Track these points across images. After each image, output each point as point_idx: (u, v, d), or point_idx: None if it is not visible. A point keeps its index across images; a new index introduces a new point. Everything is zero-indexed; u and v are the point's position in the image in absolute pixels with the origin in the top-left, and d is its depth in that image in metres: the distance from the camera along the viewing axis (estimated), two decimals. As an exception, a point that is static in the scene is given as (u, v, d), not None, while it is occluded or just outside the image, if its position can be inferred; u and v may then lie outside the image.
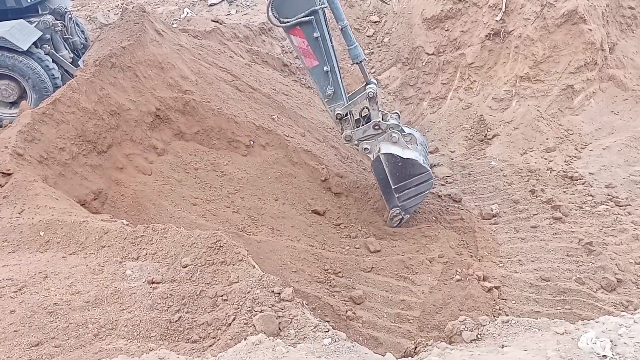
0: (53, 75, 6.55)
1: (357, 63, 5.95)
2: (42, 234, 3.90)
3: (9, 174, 4.70)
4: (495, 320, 2.74)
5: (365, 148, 6.12)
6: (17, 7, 6.72)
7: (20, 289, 3.20)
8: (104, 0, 11.46)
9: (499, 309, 4.84)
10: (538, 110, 7.79)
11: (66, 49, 7.31)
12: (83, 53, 7.57)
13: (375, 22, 10.00)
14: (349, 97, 6.05)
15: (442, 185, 7.17)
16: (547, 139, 7.48)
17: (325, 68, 5.71)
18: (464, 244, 5.84)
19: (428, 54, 9.09)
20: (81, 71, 6.33)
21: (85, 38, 8.16)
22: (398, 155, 5.83)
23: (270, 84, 8.27)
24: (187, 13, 10.21)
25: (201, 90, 7.09)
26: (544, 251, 5.60)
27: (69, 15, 7.73)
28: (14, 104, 6.52)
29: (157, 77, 6.85)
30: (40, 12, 7.28)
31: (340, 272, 5.32)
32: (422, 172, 5.86)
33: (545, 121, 7.69)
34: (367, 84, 6.08)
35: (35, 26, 6.72)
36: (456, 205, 6.61)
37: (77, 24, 8.07)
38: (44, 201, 4.41)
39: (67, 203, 4.64)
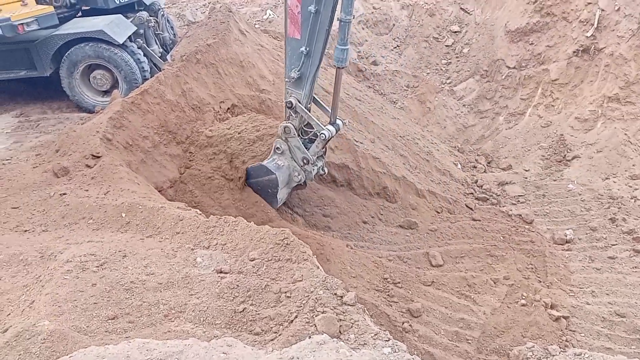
0: (143, 67, 6.98)
1: (338, 67, 5.07)
2: (123, 215, 4.17)
3: (98, 157, 5.06)
4: (566, 351, 2.60)
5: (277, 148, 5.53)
6: (105, 7, 7.24)
7: (101, 265, 3.44)
8: (192, -1, 12.05)
9: (566, 341, 4.59)
10: (626, 134, 7.31)
11: (156, 44, 7.77)
12: (171, 48, 8.02)
13: (455, 32, 9.81)
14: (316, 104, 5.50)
15: (513, 204, 6.91)
16: (633, 165, 7.00)
17: (302, 49, 4.95)
18: (532, 268, 5.59)
19: (509, 68, 8.79)
20: (168, 65, 6.70)
21: (174, 34, 8.63)
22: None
23: (344, 89, 8.33)
24: (269, 14, 10.50)
25: (277, 90, 7.27)
26: (621, 285, 5.25)
27: (162, 12, 8.21)
28: (106, 92, 7.02)
29: (237, 75, 7.11)
30: (136, 8, 7.79)
31: (399, 282, 5.26)
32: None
33: (632, 146, 7.21)
34: (331, 123, 5.43)
35: (131, 21, 7.20)
36: (527, 226, 6.34)
37: (168, 20, 8.55)
38: (127, 185, 4.71)
39: (147, 188, 4.93)
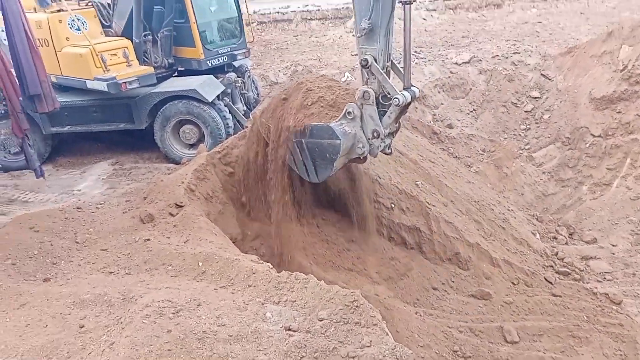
0: (228, 124, 7.45)
1: (405, 3, 4.57)
2: (200, 264, 4.35)
3: (181, 206, 5.38)
4: None
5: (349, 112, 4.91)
6: (198, 68, 7.88)
7: (177, 312, 3.58)
8: (275, 61, 12.82)
9: None
10: None
11: (241, 102, 8.30)
12: (254, 107, 8.53)
13: (535, 97, 9.63)
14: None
15: (599, 281, 6.41)
16: None
17: None
18: (621, 355, 5.08)
19: (594, 136, 8.42)
20: (250, 123, 7.11)
21: (258, 94, 9.19)
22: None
23: (418, 150, 8.34)
24: (347, 77, 10.92)
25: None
26: None
27: (248, 74, 8.81)
28: (193, 145, 7.53)
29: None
30: (226, 70, 8.42)
31: (470, 357, 4.98)
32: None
33: None
34: (405, 88, 4.85)
35: (220, 81, 7.78)
36: (614, 307, 5.82)
37: (253, 81, 9.15)
38: (205, 234, 4.93)
39: (223, 239, 5.13)
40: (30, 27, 5.44)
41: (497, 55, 10.61)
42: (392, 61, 4.95)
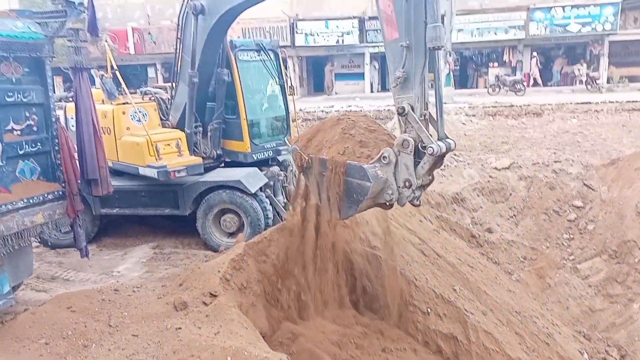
0: (268, 215, 7.62)
1: (433, 49, 4.47)
2: (229, 358, 4.25)
3: (215, 296, 5.38)
4: None
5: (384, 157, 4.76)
6: (245, 162, 8.19)
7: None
8: (317, 156, 13.30)
9: None
10: None
11: (282, 195, 8.53)
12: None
13: (578, 207, 9.46)
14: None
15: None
16: None
17: (402, 43, 4.53)
18: None
19: (643, 251, 8.08)
20: (289, 215, 7.24)
21: (298, 187, 9.45)
22: None
23: (456, 253, 8.19)
24: (386, 175, 11.12)
25: (388, 248, 7.37)
26: None
27: (291, 168, 9.13)
28: (232, 234, 7.69)
29: (352, 230, 7.41)
30: (270, 163, 8.77)
31: None
32: None
33: None
34: (439, 138, 4.75)
35: (264, 174, 8.09)
36: None
37: (294, 174, 9.45)
38: (236, 327, 4.87)
39: (254, 333, 5.04)
40: (97, 118, 5.95)
41: (538, 163, 10.66)
42: (429, 112, 4.89)
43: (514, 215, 9.71)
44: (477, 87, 29.27)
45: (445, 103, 20.64)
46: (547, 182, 9.91)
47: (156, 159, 7.38)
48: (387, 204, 5.02)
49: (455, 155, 11.85)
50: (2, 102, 5.05)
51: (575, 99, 20.05)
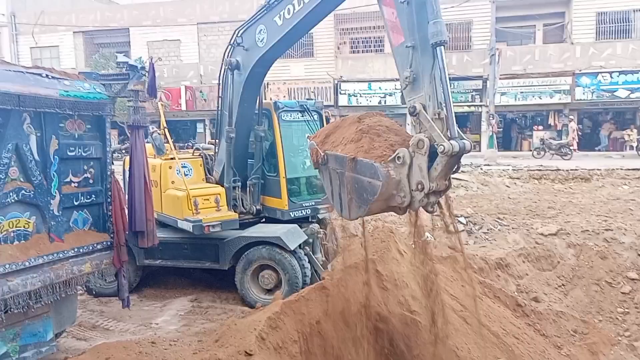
0: (305, 273, 7.59)
1: (436, 45, 4.39)
2: (261, 423, 4.13)
3: (250, 355, 5.31)
4: None
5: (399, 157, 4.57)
6: (282, 219, 8.26)
7: None
8: (357, 214, 13.27)
9: None
10: None
11: (321, 253, 8.51)
12: (333, 258, 8.68)
13: (633, 279, 8.92)
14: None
15: None
16: None
17: (407, 44, 4.55)
18: None
19: None
20: (328, 274, 7.19)
21: (337, 245, 9.40)
22: None
23: (500, 323, 7.81)
24: (427, 236, 10.94)
25: (428, 314, 7.13)
26: None
27: (330, 225, 9.15)
28: (269, 291, 7.67)
29: (391, 292, 7.25)
30: (310, 220, 8.83)
31: None
32: None
33: None
34: (452, 137, 4.50)
35: (304, 231, 8.13)
36: None
37: (334, 232, 9.45)
38: (269, 390, 4.76)
39: (287, 397, 4.90)
40: (149, 173, 6.24)
41: (587, 230, 10.23)
42: (446, 113, 4.65)
43: (562, 284, 9.24)
44: (521, 150, 28.88)
45: (488, 165, 20.41)
46: (598, 251, 9.45)
47: (193, 213, 7.57)
48: (400, 207, 4.73)
49: (498, 218, 11.57)
50: (64, 155, 5.39)
51: (625, 164, 19.41)
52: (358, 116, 5.47)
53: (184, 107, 30.37)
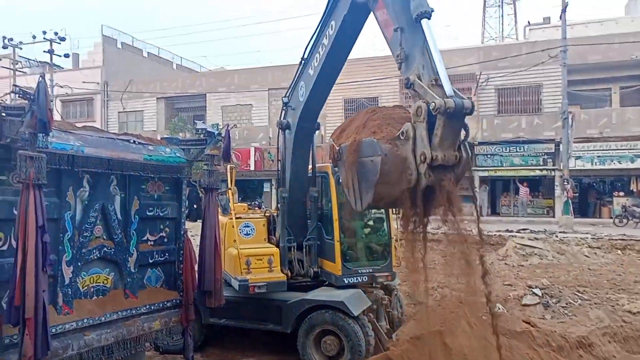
0: (369, 341, 7.31)
1: (418, 18, 4.51)
2: None
3: None
4: None
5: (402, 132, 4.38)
6: (335, 284, 7.99)
7: None
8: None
9: None
10: None
11: (385, 320, 8.21)
12: (398, 327, 8.34)
13: None
14: None
15: None
16: None
17: (395, 26, 4.73)
18: None
19: None
20: (393, 344, 6.90)
21: (402, 313, 9.05)
22: None
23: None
24: (499, 308, 10.31)
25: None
26: None
27: (395, 292, 8.88)
28: (331, 358, 7.44)
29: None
30: (373, 285, 8.61)
31: None
32: None
33: None
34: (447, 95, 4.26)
35: (368, 297, 7.92)
36: None
37: (398, 299, 9.13)
38: None
39: None
40: (220, 233, 6.45)
41: (683, 309, 9.21)
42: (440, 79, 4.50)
43: (657, 369, 8.26)
44: (600, 217, 27.08)
45: (564, 232, 19.26)
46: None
47: (241, 272, 7.63)
48: (411, 188, 4.44)
49: (578, 292, 10.74)
50: (144, 215, 5.73)
51: None
52: (373, 108, 5.55)
53: (252, 167, 31.57)
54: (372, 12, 5.40)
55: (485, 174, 27.39)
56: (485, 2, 47.47)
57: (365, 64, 28.87)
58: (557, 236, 18.07)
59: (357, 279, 8.08)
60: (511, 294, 11.15)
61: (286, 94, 7.87)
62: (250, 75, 33.67)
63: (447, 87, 4.35)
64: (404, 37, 4.78)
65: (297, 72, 7.46)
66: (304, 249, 8.27)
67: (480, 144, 26.97)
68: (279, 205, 8.31)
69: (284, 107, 7.92)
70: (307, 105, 7.38)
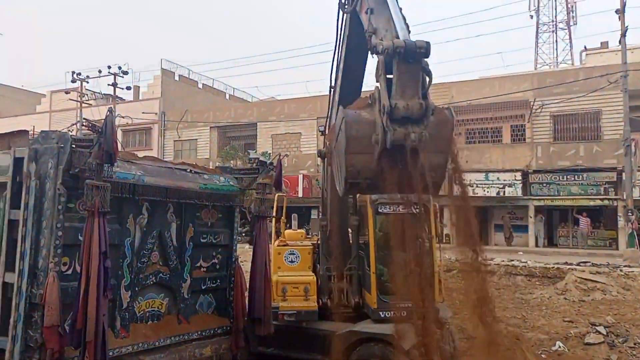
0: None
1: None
2: None
3: None
4: None
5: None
6: (372, 317, 7.66)
7: None
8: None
9: None
10: None
11: (436, 355, 7.91)
12: (450, 363, 8.01)
13: None
14: None
15: None
16: None
17: (366, 7, 4.88)
18: None
19: None
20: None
21: (455, 347, 8.69)
22: None
23: None
24: (559, 346, 9.73)
25: None
26: None
27: (447, 326, 8.56)
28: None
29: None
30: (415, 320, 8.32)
31: None
32: None
33: None
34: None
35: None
36: None
37: (450, 332, 8.79)
38: None
39: None
40: (270, 261, 6.51)
41: None
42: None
43: None
44: (669, 250, 25.25)
45: (629, 266, 18.11)
46: None
47: (273, 299, 7.56)
48: (381, 149, 4.06)
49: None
50: (197, 242, 5.89)
51: None
52: (367, 96, 5.41)
53: (300, 194, 31.86)
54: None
55: (541, 203, 26.30)
56: (538, 28, 46.51)
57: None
58: (621, 270, 16.95)
59: (394, 313, 7.57)
60: (572, 331, 10.51)
61: (325, 122, 7.98)
62: (299, 105, 34.36)
63: (401, 33, 4.20)
64: (372, 16, 4.78)
65: (329, 101, 7.54)
66: (345, 279, 8.10)
67: (535, 172, 26.03)
68: (319, 233, 8.31)
69: (323, 136, 8.05)
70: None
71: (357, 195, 8.26)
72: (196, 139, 37.68)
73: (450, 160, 4.60)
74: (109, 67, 33.70)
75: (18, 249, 4.33)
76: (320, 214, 8.37)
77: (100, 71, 33.89)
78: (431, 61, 4.16)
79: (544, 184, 26.35)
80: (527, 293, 15.14)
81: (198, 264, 5.94)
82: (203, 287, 5.96)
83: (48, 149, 4.38)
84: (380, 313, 7.65)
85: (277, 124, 35.07)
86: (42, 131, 4.69)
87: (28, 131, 4.91)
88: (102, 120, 4.36)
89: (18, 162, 4.47)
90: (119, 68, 33.84)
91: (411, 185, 4.36)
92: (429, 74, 4.17)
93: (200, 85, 43.00)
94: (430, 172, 4.28)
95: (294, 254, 8.42)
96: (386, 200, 8.01)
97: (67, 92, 35.14)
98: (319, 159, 8.43)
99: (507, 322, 11.14)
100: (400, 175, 4.28)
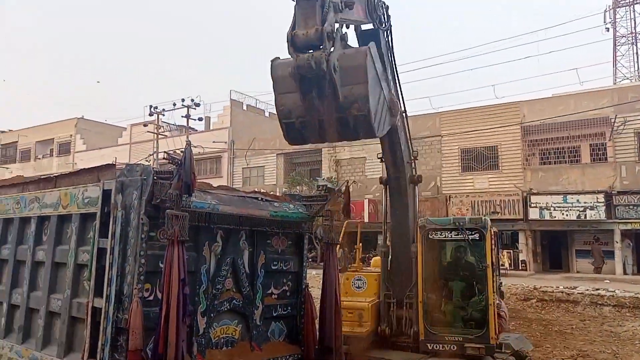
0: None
1: None
2: None
3: None
4: None
5: None
6: (421, 350, 7.33)
7: None
8: (558, 346, 11.52)
9: None
10: None
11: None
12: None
13: None
14: None
15: None
16: None
17: None
18: None
19: None
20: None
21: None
22: None
23: None
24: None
25: None
26: None
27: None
28: None
29: None
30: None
31: None
32: None
33: None
34: None
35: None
36: None
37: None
38: None
39: None
40: (340, 289, 6.47)
41: None
42: None
43: None
44: None
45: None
46: None
47: None
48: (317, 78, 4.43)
49: None
50: (268, 269, 5.99)
51: None
52: None
53: (366, 219, 31.62)
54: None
55: (628, 227, 24.31)
56: (615, 40, 43.86)
57: (481, 112, 28.05)
58: None
59: (442, 346, 7.27)
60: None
61: None
62: (364, 129, 34.48)
63: None
64: None
65: None
66: (405, 307, 7.78)
67: (620, 193, 24.20)
68: (381, 260, 8.21)
69: (382, 163, 8.04)
70: (388, 147, 7.49)
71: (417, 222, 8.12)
72: (263, 166, 38.74)
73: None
74: (183, 100, 35.76)
75: (106, 276, 4.60)
76: (382, 240, 8.29)
77: (174, 104, 35.99)
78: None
79: (631, 206, 24.38)
80: (617, 325, 13.98)
81: (269, 291, 6.01)
82: (274, 314, 6.02)
83: (133, 182, 4.67)
84: (428, 345, 7.34)
85: (341, 149, 35.31)
86: (127, 164, 5.01)
87: (115, 165, 5.26)
88: (179, 152, 4.59)
89: (106, 194, 4.79)
90: (192, 100, 35.78)
91: (341, 121, 4.67)
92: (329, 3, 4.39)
93: (266, 114, 44.39)
94: (354, 104, 4.58)
95: (361, 279, 8.35)
96: (436, 226, 7.75)
97: (145, 125, 37.53)
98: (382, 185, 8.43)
99: (595, 357, 10.30)
100: (328, 109, 4.62)
